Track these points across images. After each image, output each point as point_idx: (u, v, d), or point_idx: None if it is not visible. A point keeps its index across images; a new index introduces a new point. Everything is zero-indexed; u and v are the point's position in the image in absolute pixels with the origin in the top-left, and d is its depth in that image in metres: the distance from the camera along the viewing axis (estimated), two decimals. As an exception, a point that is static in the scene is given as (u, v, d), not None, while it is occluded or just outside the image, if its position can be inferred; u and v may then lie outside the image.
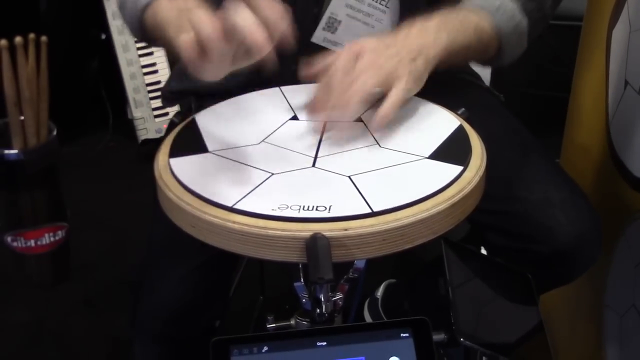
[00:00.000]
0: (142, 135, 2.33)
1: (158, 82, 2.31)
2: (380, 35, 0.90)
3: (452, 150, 0.80)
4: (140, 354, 1.02)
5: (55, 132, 1.60)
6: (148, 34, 0.97)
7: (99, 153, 2.38)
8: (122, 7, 1.01)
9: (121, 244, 1.90)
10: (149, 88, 2.30)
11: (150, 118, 2.31)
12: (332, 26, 1.05)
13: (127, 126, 2.36)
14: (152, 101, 2.31)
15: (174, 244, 0.93)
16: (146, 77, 2.29)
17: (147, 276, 0.98)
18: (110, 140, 2.42)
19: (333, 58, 0.86)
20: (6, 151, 1.54)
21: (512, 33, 0.96)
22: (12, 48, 1.45)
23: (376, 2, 1.03)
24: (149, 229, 1.01)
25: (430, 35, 0.88)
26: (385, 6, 1.04)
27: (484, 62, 1.03)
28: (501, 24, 0.95)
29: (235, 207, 0.70)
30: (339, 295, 0.83)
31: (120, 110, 2.41)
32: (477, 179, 0.75)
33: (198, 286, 0.96)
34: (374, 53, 0.85)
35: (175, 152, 0.81)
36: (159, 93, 2.30)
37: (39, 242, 1.63)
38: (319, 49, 1.05)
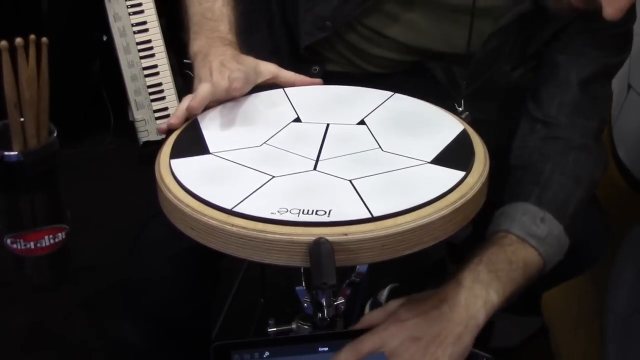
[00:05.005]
0: (143, 137, 2.32)
1: (159, 84, 2.30)
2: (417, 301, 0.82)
3: (454, 155, 0.79)
4: (128, 334, 1.03)
5: (55, 134, 1.60)
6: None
7: (99, 155, 2.37)
8: None
9: (121, 247, 1.88)
10: (150, 90, 2.29)
11: (151, 120, 2.30)
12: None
13: (128, 128, 2.36)
14: (153, 103, 2.30)
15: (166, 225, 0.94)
16: (147, 79, 2.28)
17: (136, 255, 0.99)
18: (111, 142, 2.41)
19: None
20: (6, 153, 1.54)
21: (557, 254, 0.89)
22: (12, 49, 1.45)
23: None
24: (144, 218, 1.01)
25: (479, 301, 0.81)
26: None
27: None
28: (549, 253, 0.88)
29: (234, 209, 0.69)
30: (340, 300, 0.83)
31: (121, 112, 2.40)
32: (479, 184, 0.74)
33: (188, 269, 0.96)
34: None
35: (176, 153, 0.80)
36: (160, 95, 2.31)
37: (38, 244, 1.63)
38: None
